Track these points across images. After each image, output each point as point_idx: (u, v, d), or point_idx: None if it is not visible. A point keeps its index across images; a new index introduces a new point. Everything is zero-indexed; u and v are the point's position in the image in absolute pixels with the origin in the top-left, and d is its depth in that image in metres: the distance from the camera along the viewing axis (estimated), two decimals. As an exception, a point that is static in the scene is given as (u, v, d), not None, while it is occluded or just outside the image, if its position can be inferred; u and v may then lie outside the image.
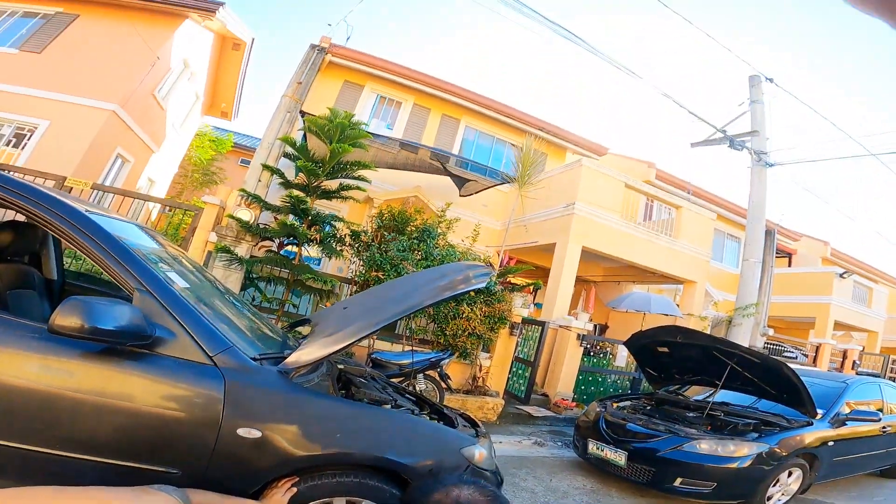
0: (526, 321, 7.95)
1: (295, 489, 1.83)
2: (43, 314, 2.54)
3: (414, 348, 5.89)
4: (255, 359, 1.94)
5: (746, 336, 9.05)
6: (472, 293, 6.29)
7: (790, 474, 4.37)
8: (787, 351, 12.56)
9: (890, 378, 12.66)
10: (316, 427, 1.91)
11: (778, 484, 4.29)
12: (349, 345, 2.08)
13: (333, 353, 2.05)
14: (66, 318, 1.55)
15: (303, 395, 1.95)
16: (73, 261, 6.14)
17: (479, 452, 2.23)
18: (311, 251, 6.62)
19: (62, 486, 1.18)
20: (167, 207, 7.35)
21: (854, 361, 12.94)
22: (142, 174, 12.52)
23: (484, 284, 2.40)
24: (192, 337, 1.83)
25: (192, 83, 13.58)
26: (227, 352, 1.86)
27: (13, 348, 1.67)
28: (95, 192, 6.91)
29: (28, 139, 9.83)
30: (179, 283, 2.07)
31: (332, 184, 6.13)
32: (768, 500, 4.24)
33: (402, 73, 12.33)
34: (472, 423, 2.70)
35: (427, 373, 5.60)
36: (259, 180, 6.28)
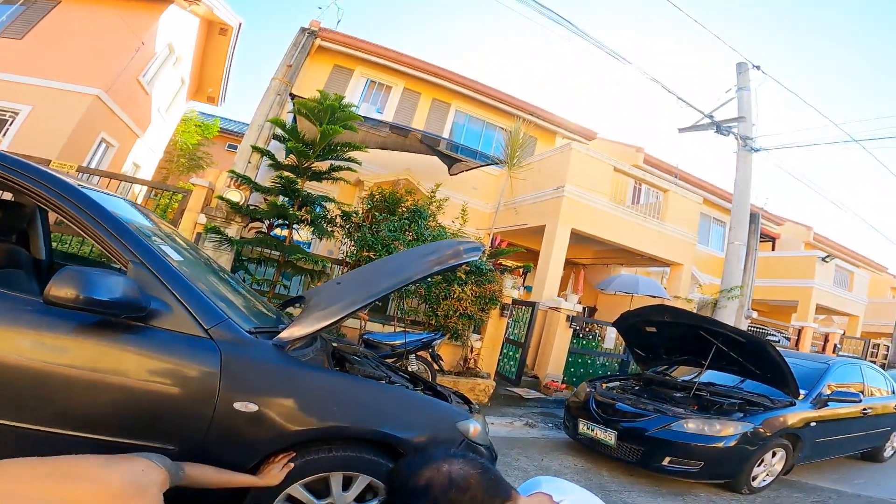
0: (516, 302, 8.02)
1: (292, 464, 1.84)
2: (31, 293, 2.51)
3: (406, 329, 5.92)
4: (250, 332, 1.93)
5: (731, 318, 9.18)
6: (463, 274, 6.32)
7: (774, 455, 4.45)
8: (769, 334, 12.79)
9: (870, 361, 12.99)
10: (312, 400, 1.93)
11: (762, 464, 4.36)
12: (344, 317, 2.09)
13: (329, 325, 2.05)
14: (61, 288, 1.53)
15: (299, 369, 1.95)
16: (59, 244, 6.09)
17: (473, 427, 2.25)
18: (301, 234, 6.62)
19: (42, 457, 1.17)
20: (153, 191, 7.25)
21: (835, 345, 13.22)
22: (127, 159, 12.45)
23: (476, 258, 2.41)
24: (188, 309, 1.82)
25: (177, 68, 13.43)
26: (222, 324, 1.85)
27: (6, 323, 1.66)
28: (81, 174, 6.82)
29: (10, 125, 9.69)
30: (174, 256, 2.05)
31: (323, 165, 6.11)
32: (753, 479, 4.32)
33: (392, 57, 12.22)
34: (466, 401, 2.72)
35: (419, 354, 5.64)
36: (249, 162, 6.24)
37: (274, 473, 1.80)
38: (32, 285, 2.65)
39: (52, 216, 3.12)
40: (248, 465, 1.84)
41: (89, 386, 1.67)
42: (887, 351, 14.84)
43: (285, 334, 1.98)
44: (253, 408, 1.80)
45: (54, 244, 5.56)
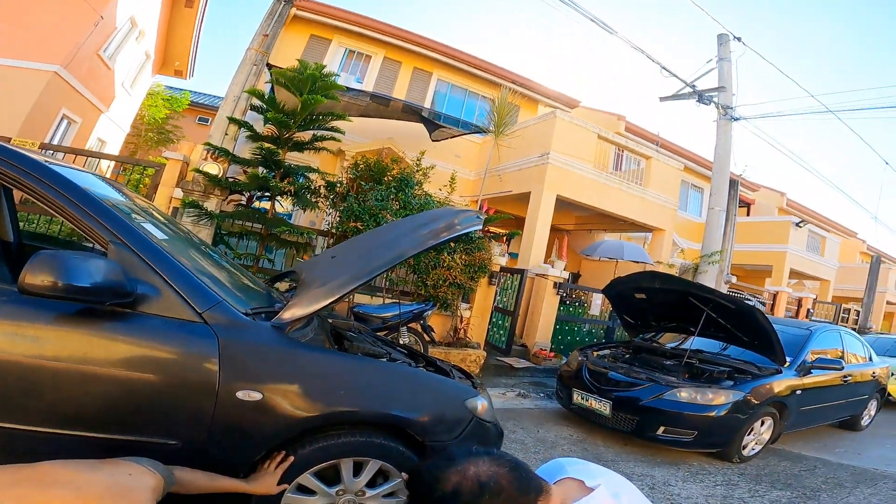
0: (504, 270, 7.99)
1: (287, 462, 1.75)
2: (3, 280, 2.32)
3: (399, 301, 5.83)
4: (246, 314, 1.80)
5: (711, 283, 9.33)
6: (452, 242, 6.26)
7: (762, 423, 4.48)
8: (746, 299, 13.07)
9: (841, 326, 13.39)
10: (318, 385, 1.82)
11: (752, 433, 4.39)
12: (347, 293, 1.97)
13: (331, 303, 1.93)
14: (36, 275, 1.37)
15: (301, 351, 1.84)
16: (25, 224, 5.77)
17: (481, 404, 2.19)
18: (283, 205, 6.43)
19: (24, 464, 1.07)
20: (123, 166, 6.90)
21: (808, 310, 13.59)
22: (91, 134, 12.14)
23: (479, 227, 2.31)
24: (178, 292, 1.67)
25: (140, 42, 13.10)
26: (216, 307, 1.71)
27: None
28: (45, 151, 6.45)
29: (-36, 105, 9.24)
30: (157, 234, 1.88)
31: (305, 135, 5.93)
32: (743, 448, 4.36)
33: (371, 25, 11.87)
34: (468, 376, 2.65)
35: (410, 325, 5.57)
36: (226, 134, 5.94)
37: (268, 482, 1.70)
38: (2, 270, 2.46)
39: (16, 195, 2.91)
40: (256, 457, 1.75)
41: (79, 380, 1.53)
42: (857, 315, 15.35)
43: (286, 315, 1.85)
44: (257, 396, 1.68)
45: (21, 224, 5.33)
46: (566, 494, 1.14)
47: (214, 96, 21.20)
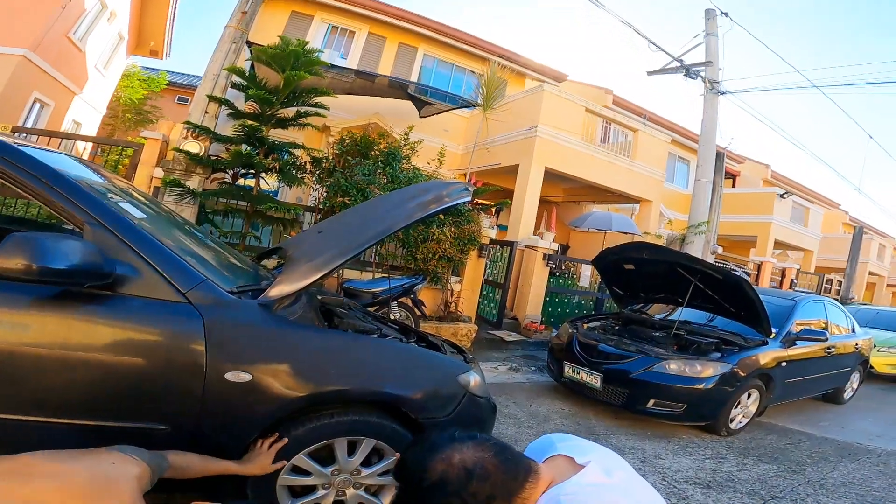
0: (494, 242, 7.97)
1: (281, 442, 1.73)
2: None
3: (389, 275, 5.80)
4: (231, 292, 1.75)
5: (698, 253, 9.42)
6: (442, 215, 6.19)
7: (749, 395, 4.48)
8: (732, 269, 13.23)
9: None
10: (308, 363, 1.79)
11: (739, 405, 4.40)
12: (335, 269, 1.93)
13: (319, 279, 1.88)
14: (9, 258, 1.31)
15: (290, 329, 1.80)
16: (2, 207, 5.60)
17: (473, 379, 2.17)
18: (268, 182, 6.35)
19: (5, 456, 1.03)
20: (100, 147, 6.72)
21: (791, 280, 13.76)
22: (65, 117, 11.97)
23: (468, 199, 2.27)
24: (159, 272, 1.61)
25: (112, 23, 12.87)
26: (200, 286, 1.66)
27: None
28: (19, 135, 6.26)
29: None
30: (135, 213, 1.81)
31: (289, 112, 5.82)
32: (731, 421, 4.39)
33: (354, 0, 11.55)
34: (459, 350, 2.63)
35: (401, 300, 5.55)
36: (206, 112, 5.81)
37: (263, 462, 1.68)
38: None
39: None
40: (248, 440, 1.72)
41: (61, 366, 1.49)
42: (840, 286, 15.60)
43: (273, 292, 1.80)
44: (246, 377, 1.65)
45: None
46: (556, 473, 1.11)
47: (193, 76, 20.66)
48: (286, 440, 1.74)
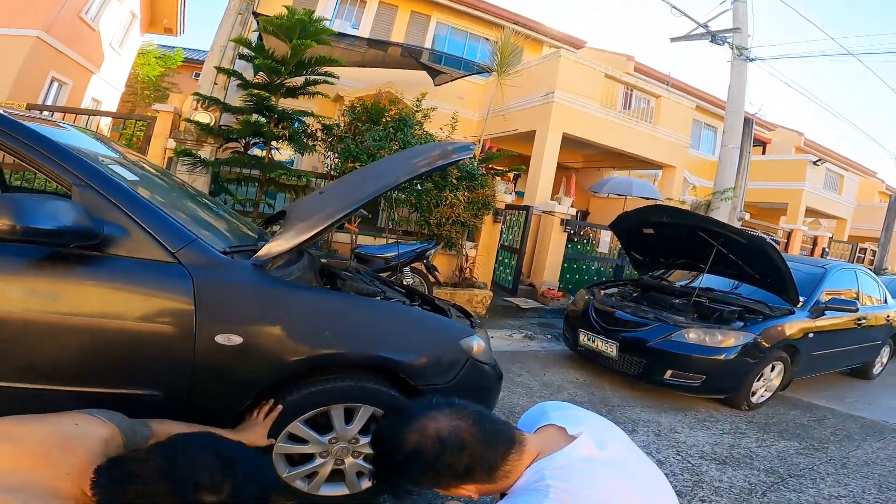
0: (510, 207, 7.85)
1: (276, 411, 1.69)
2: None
3: (399, 240, 5.74)
4: (224, 252, 1.69)
5: (724, 220, 9.22)
6: (454, 180, 6.12)
7: (773, 368, 4.27)
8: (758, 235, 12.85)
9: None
10: (302, 325, 1.73)
11: (762, 378, 4.18)
12: (328, 227, 1.85)
13: (312, 237, 1.82)
14: None
15: (283, 290, 1.74)
16: (23, 182, 5.72)
17: (477, 344, 2.08)
18: (282, 153, 6.36)
19: None
20: (122, 123, 6.96)
21: (823, 249, 13.34)
22: (84, 96, 12.25)
23: (466, 156, 2.17)
24: (148, 231, 1.57)
25: (124, 3, 13.09)
26: (191, 245, 1.60)
27: None
28: (41, 112, 6.44)
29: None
30: (127, 176, 1.77)
31: (298, 81, 5.77)
32: (752, 395, 4.19)
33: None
34: (466, 314, 2.54)
35: (414, 266, 5.49)
36: (215, 84, 5.80)
37: (258, 432, 1.63)
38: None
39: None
40: (242, 406, 1.69)
41: (50, 330, 1.46)
42: (874, 256, 15.07)
43: (263, 252, 1.74)
44: (237, 340, 1.60)
45: (18, 183, 5.33)
46: (545, 444, 1.04)
47: (208, 52, 20.70)
48: (280, 408, 1.70)
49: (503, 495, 1.04)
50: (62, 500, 0.88)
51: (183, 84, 17.82)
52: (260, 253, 1.75)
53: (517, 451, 1.01)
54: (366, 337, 1.85)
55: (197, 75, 19.73)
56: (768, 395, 4.35)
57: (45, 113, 6.68)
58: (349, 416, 1.85)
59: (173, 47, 18.56)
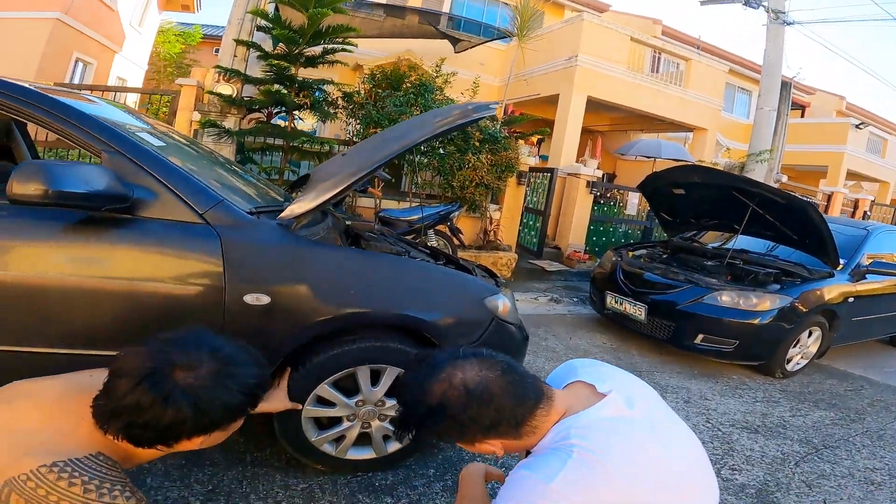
0: (534, 170, 7.75)
1: (286, 373, 1.71)
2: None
3: (422, 203, 5.74)
4: (250, 213, 1.71)
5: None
6: (477, 142, 6.07)
7: (810, 334, 4.06)
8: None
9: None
10: (328, 284, 1.73)
11: (798, 345, 3.99)
12: (351, 185, 1.83)
13: (335, 196, 1.80)
14: (25, 183, 1.30)
15: (309, 248, 1.75)
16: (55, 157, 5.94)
17: (502, 303, 2.05)
18: (305, 122, 6.40)
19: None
20: (147, 98, 7.25)
21: (864, 212, 12.87)
22: (110, 74, 12.48)
23: (488, 114, 2.11)
24: (176, 193, 1.59)
25: None
26: (218, 206, 1.62)
27: None
28: (59, 88, 6.58)
29: (-25, 60, 9.70)
30: (154, 142, 1.80)
31: (316, 50, 5.77)
32: (787, 362, 4.01)
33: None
34: (491, 274, 2.51)
35: (438, 228, 5.50)
36: (235, 56, 5.83)
37: (279, 397, 1.66)
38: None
39: (31, 129, 3.04)
40: (271, 368, 1.69)
41: (86, 294, 1.49)
42: (919, 220, 14.53)
43: (287, 212, 1.75)
44: (265, 300, 1.61)
45: (50, 157, 5.58)
46: (573, 401, 1.01)
47: (226, 26, 20.96)
48: (288, 370, 1.72)
49: (527, 454, 1.02)
50: (85, 448, 0.89)
51: (203, 60, 18.14)
52: (284, 213, 1.75)
53: (545, 406, 0.98)
54: (391, 296, 1.84)
55: (217, 51, 19.91)
56: (804, 362, 4.18)
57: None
58: (375, 379, 1.86)
59: (191, 24, 18.83)
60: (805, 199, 4.41)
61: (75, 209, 1.43)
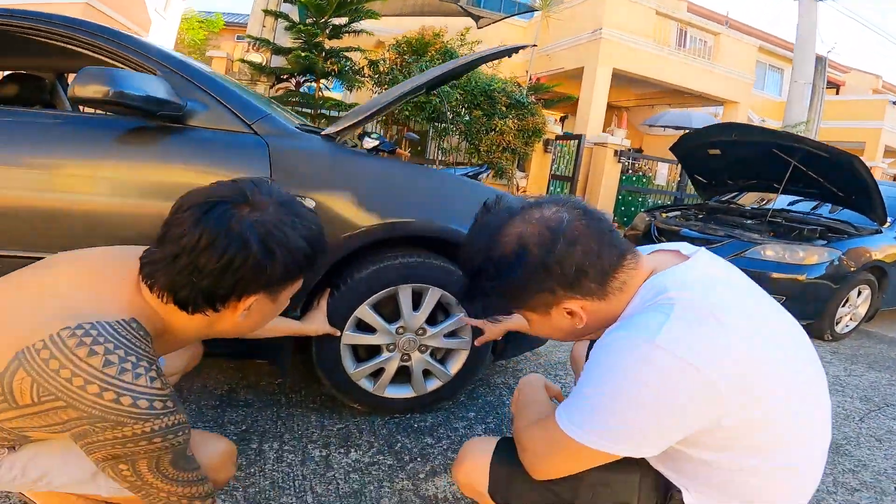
0: (560, 138, 7.72)
1: (326, 293, 1.69)
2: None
3: (449, 165, 5.86)
4: (297, 128, 1.76)
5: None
6: (504, 107, 6.11)
7: (859, 293, 3.90)
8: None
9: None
10: (372, 191, 1.71)
11: (847, 304, 3.82)
12: (385, 107, 1.86)
13: (373, 114, 1.84)
14: (87, 84, 1.32)
15: (353, 156, 1.78)
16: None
17: None
18: (332, 92, 6.46)
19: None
20: None
21: (904, 187, 12.57)
22: None
23: (515, 52, 2.10)
24: (225, 106, 1.63)
25: None
26: (265, 119, 1.66)
27: (36, 145, 1.47)
28: None
29: (10, 47, 10.15)
30: (205, 69, 1.87)
31: (342, 20, 5.81)
32: (837, 323, 3.80)
33: None
34: None
35: (466, 192, 5.55)
36: (263, 26, 5.92)
37: (319, 320, 1.63)
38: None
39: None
40: (312, 283, 1.66)
41: (139, 201, 1.52)
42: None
43: (329, 129, 1.79)
44: (311, 203, 1.60)
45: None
46: (659, 262, 0.86)
47: (247, 15, 21.37)
48: (328, 290, 1.71)
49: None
50: (119, 312, 0.77)
51: (225, 47, 18.56)
52: (327, 130, 1.79)
53: (632, 259, 0.82)
54: (435, 207, 1.81)
55: (239, 37, 20.37)
56: (853, 324, 3.99)
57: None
58: (416, 303, 1.81)
59: (212, 12, 19.32)
60: (851, 153, 4.22)
61: (132, 114, 1.45)
